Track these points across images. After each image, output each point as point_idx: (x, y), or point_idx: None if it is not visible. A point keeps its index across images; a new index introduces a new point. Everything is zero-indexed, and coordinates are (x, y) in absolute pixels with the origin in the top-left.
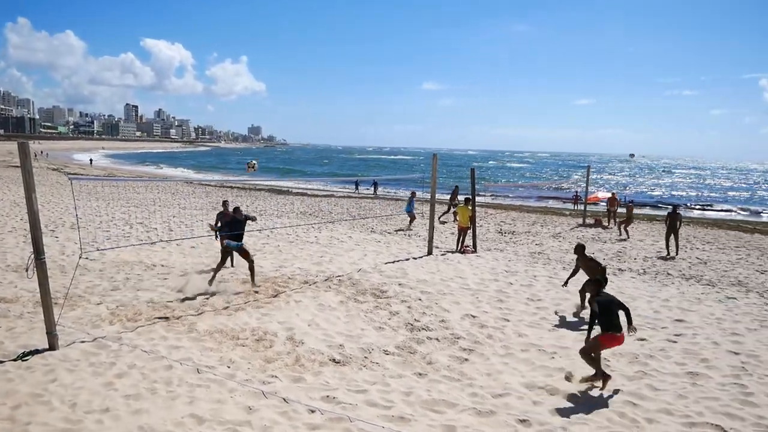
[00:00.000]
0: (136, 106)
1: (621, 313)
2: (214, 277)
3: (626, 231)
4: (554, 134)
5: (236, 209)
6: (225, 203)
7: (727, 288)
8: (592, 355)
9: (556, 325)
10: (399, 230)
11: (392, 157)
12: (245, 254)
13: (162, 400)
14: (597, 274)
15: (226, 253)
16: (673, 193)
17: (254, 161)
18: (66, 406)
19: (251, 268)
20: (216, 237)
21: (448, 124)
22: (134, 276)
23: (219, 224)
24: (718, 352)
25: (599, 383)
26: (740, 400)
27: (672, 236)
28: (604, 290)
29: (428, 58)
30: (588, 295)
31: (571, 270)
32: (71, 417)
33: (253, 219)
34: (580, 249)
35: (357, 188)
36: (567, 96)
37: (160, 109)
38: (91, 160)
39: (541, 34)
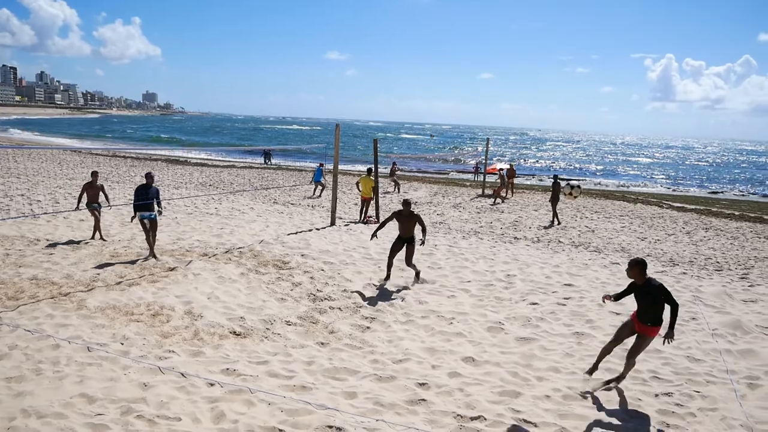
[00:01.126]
0: (15, 68)
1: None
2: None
3: (510, 192)
4: (459, 107)
5: (147, 174)
6: (94, 174)
7: (612, 254)
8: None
9: (454, 292)
10: (308, 197)
11: (287, 127)
12: (155, 227)
13: (48, 381)
14: (409, 233)
15: (144, 225)
16: (563, 165)
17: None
18: None
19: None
20: (77, 208)
21: (352, 95)
22: (15, 252)
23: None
24: (602, 313)
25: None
26: (620, 356)
27: (553, 204)
28: None
29: (332, 27)
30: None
31: (384, 221)
32: None
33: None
34: (406, 203)
35: (267, 160)
36: (471, 70)
37: (42, 72)
38: None
39: (445, 7)
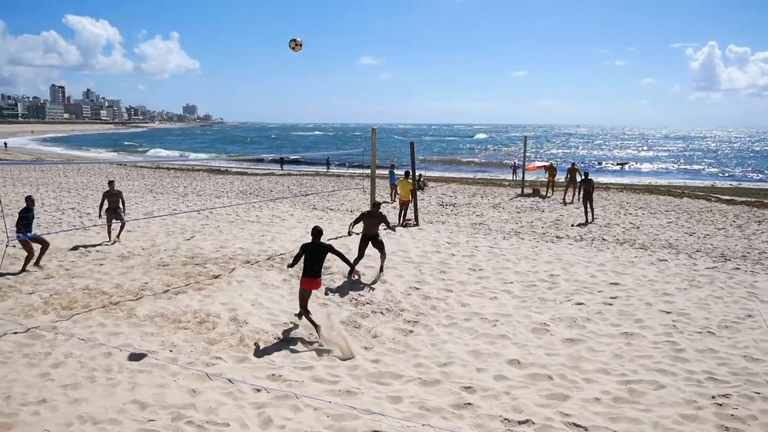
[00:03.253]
0: (63, 87)
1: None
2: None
3: (551, 190)
4: (493, 106)
5: (28, 198)
6: (111, 183)
7: (659, 251)
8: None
9: (497, 294)
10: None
11: (309, 133)
12: (41, 241)
13: (102, 388)
14: (372, 232)
15: (27, 244)
16: (596, 162)
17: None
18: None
19: (44, 251)
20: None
21: (386, 100)
22: (68, 263)
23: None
24: (651, 312)
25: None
26: (672, 356)
27: (588, 202)
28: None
29: (366, 33)
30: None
31: (354, 219)
32: (5, 410)
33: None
34: (376, 205)
35: (282, 166)
36: (504, 68)
37: (88, 90)
38: (5, 143)
39: (476, 7)
